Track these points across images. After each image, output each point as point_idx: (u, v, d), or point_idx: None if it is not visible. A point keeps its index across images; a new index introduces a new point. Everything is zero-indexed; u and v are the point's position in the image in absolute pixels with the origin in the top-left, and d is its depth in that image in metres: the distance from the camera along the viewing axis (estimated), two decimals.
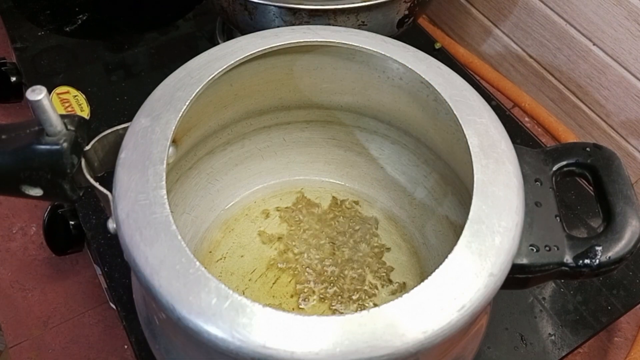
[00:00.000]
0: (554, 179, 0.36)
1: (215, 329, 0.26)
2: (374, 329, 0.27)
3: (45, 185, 0.32)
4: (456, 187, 0.44)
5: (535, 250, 0.32)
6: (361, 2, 0.50)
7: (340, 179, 0.52)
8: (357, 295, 0.45)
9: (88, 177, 0.33)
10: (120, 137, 0.34)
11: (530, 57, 0.66)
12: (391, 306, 0.27)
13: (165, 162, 0.32)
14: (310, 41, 0.39)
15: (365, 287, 0.46)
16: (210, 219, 0.49)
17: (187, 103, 0.35)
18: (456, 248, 0.29)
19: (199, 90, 0.36)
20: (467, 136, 0.34)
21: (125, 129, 0.34)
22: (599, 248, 0.32)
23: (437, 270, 0.29)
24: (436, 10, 0.77)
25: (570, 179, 0.54)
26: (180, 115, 0.35)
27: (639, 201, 0.34)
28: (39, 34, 0.67)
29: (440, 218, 0.47)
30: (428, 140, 0.45)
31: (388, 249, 0.48)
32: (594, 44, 0.58)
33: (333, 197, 0.51)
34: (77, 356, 0.48)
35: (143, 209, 0.30)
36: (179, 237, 0.29)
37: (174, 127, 0.34)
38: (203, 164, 0.47)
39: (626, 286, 0.49)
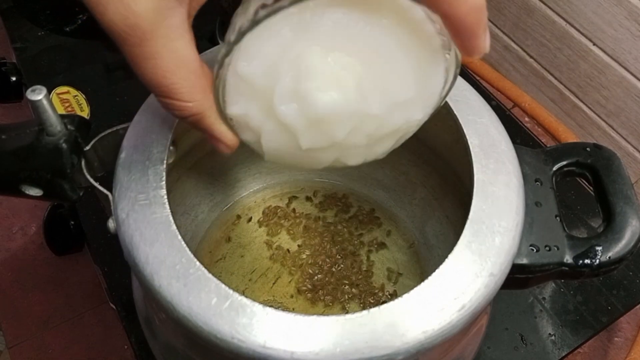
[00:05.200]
0: (554, 179, 0.36)
1: (215, 329, 0.26)
2: (374, 329, 0.27)
3: (45, 185, 0.32)
4: (456, 187, 0.44)
5: (535, 250, 0.32)
6: None
7: (340, 179, 0.52)
8: (358, 295, 0.45)
9: (88, 177, 0.33)
10: (120, 137, 0.34)
11: (530, 57, 0.66)
12: (391, 306, 0.27)
13: (165, 162, 0.32)
14: None
15: (366, 287, 0.46)
16: (210, 219, 0.49)
17: None
18: (456, 248, 0.29)
19: None
20: (467, 136, 0.34)
21: (125, 129, 0.34)
22: (599, 248, 0.32)
23: (437, 270, 0.29)
24: None
25: (570, 179, 0.54)
26: None
27: (639, 201, 0.34)
28: (39, 34, 0.67)
29: (440, 218, 0.47)
30: (428, 140, 0.45)
31: (388, 249, 0.48)
32: (594, 44, 0.58)
33: (334, 196, 0.51)
34: (77, 356, 0.48)
35: (143, 209, 0.30)
36: (179, 237, 0.29)
37: (174, 127, 0.34)
38: (203, 164, 0.47)
39: (626, 286, 0.49)
